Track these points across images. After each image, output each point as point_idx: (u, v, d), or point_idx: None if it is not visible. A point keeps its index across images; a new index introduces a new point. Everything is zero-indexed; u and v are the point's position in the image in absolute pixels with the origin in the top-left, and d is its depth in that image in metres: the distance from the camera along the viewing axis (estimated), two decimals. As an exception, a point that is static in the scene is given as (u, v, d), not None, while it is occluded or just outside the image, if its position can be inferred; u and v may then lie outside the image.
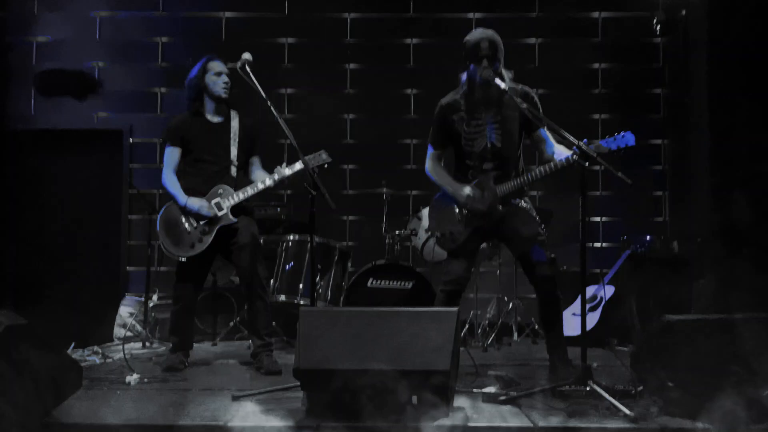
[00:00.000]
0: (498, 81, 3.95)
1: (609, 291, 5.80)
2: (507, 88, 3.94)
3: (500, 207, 4.12)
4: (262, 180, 4.58)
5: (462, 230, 4.20)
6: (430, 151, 4.38)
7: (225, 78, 4.64)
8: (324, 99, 7.11)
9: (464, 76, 4.17)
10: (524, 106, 3.86)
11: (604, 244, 6.90)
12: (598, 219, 6.92)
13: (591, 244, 6.81)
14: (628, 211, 6.92)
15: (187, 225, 4.56)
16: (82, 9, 7.12)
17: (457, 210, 4.22)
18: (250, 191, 4.56)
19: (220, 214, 4.54)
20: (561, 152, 4.04)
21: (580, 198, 3.63)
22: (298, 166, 4.46)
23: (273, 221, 6.15)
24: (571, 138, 3.68)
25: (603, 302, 5.73)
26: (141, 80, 7.11)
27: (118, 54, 7.13)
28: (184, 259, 4.57)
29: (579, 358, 3.63)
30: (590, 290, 5.86)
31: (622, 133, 3.82)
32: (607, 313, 5.68)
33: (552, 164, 4.00)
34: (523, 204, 4.23)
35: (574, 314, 5.57)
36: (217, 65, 4.64)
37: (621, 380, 3.87)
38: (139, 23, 7.14)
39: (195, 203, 4.54)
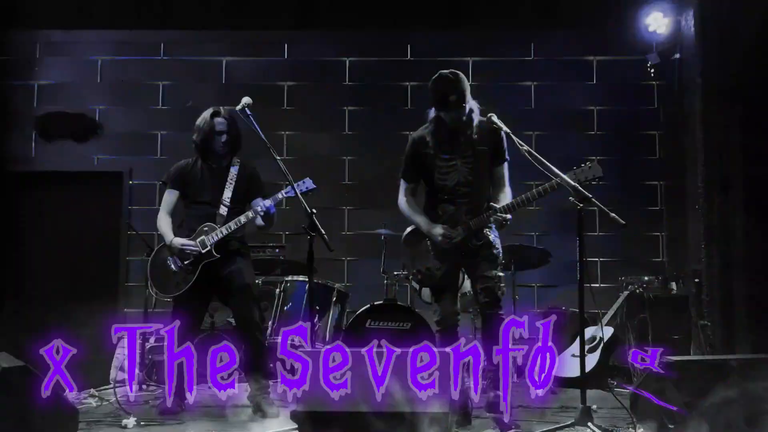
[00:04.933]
0: (470, 118, 4.00)
1: (608, 332, 5.77)
2: (476, 129, 4.02)
3: (475, 241, 4.09)
4: (245, 213, 4.61)
5: (439, 265, 4.17)
6: (402, 185, 4.38)
7: (224, 137, 4.69)
8: (323, 140, 7.17)
9: (431, 113, 4.14)
10: (524, 148, 3.84)
11: (602, 285, 6.89)
12: (596, 259, 6.93)
13: (589, 285, 6.78)
14: (626, 252, 6.93)
15: (173, 265, 4.63)
16: (83, 53, 7.24)
17: (429, 245, 4.19)
18: (233, 226, 4.58)
19: (203, 251, 4.57)
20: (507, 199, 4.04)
21: (577, 239, 3.65)
22: (280, 196, 4.52)
23: (271, 262, 6.17)
24: (558, 171, 3.69)
25: (602, 343, 5.70)
26: (141, 123, 7.18)
27: (118, 97, 7.22)
28: (173, 296, 4.62)
29: (579, 400, 3.61)
30: (589, 331, 5.83)
31: (588, 164, 3.75)
32: (606, 355, 5.65)
33: (527, 195, 3.94)
34: (491, 237, 4.14)
35: (573, 355, 5.54)
36: (218, 123, 4.68)
37: (621, 422, 3.85)
38: (140, 66, 7.24)
39: (178, 242, 4.59)
